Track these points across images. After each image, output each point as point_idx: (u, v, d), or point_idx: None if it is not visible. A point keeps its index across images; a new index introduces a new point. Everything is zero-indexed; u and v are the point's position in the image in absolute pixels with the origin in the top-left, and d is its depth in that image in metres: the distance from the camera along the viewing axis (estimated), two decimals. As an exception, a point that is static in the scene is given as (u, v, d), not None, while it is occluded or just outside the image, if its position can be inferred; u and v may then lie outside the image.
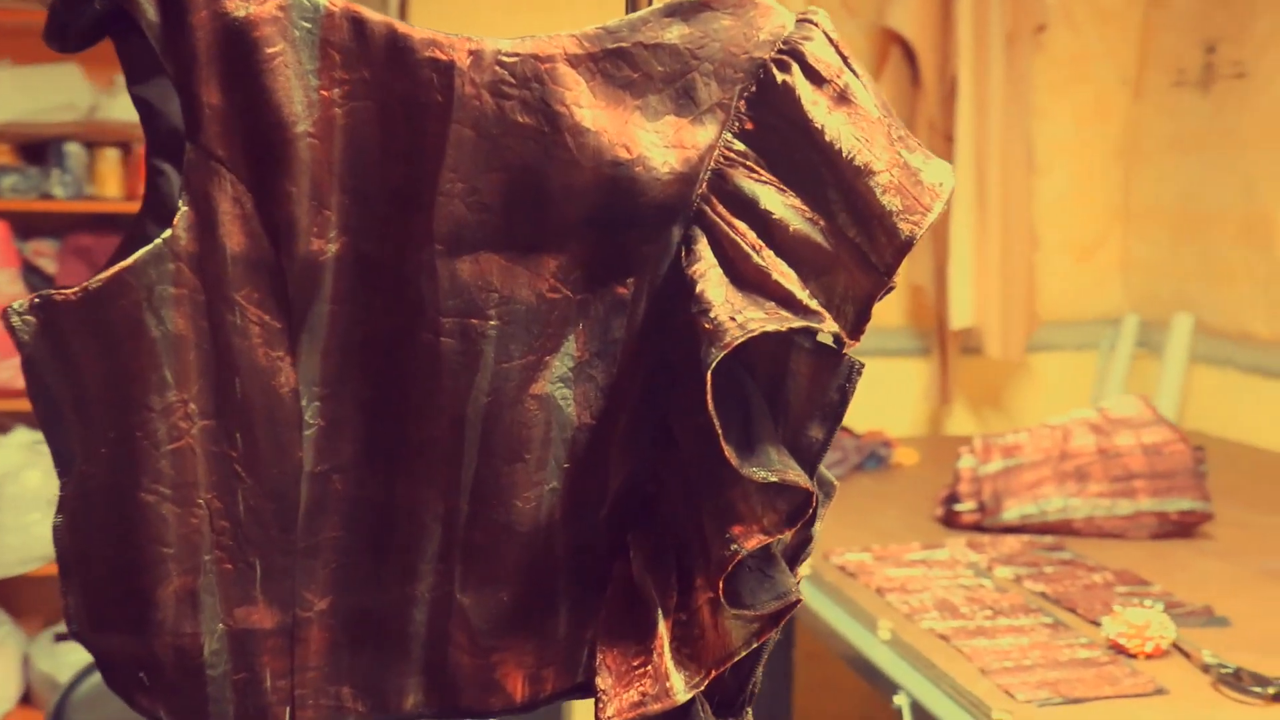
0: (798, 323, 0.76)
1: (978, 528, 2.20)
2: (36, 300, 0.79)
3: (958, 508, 2.21)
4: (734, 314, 0.75)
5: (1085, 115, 3.60)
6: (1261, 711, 1.45)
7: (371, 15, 0.79)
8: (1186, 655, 1.59)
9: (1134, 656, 1.58)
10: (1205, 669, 1.55)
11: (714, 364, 0.74)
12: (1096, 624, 1.69)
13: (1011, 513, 2.16)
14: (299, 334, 0.81)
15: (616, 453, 0.85)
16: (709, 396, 0.74)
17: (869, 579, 1.91)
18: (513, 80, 0.79)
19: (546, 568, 0.86)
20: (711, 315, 0.76)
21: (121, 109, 3.10)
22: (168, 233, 0.78)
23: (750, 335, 0.74)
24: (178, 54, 0.77)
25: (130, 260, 0.78)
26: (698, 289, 0.77)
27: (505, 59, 0.79)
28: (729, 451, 0.75)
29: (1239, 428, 3.12)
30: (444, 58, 0.78)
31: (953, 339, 3.42)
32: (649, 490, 0.86)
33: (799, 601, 0.81)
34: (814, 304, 0.78)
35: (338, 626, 0.86)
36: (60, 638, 2.95)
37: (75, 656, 2.86)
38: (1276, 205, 3.03)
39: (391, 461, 0.84)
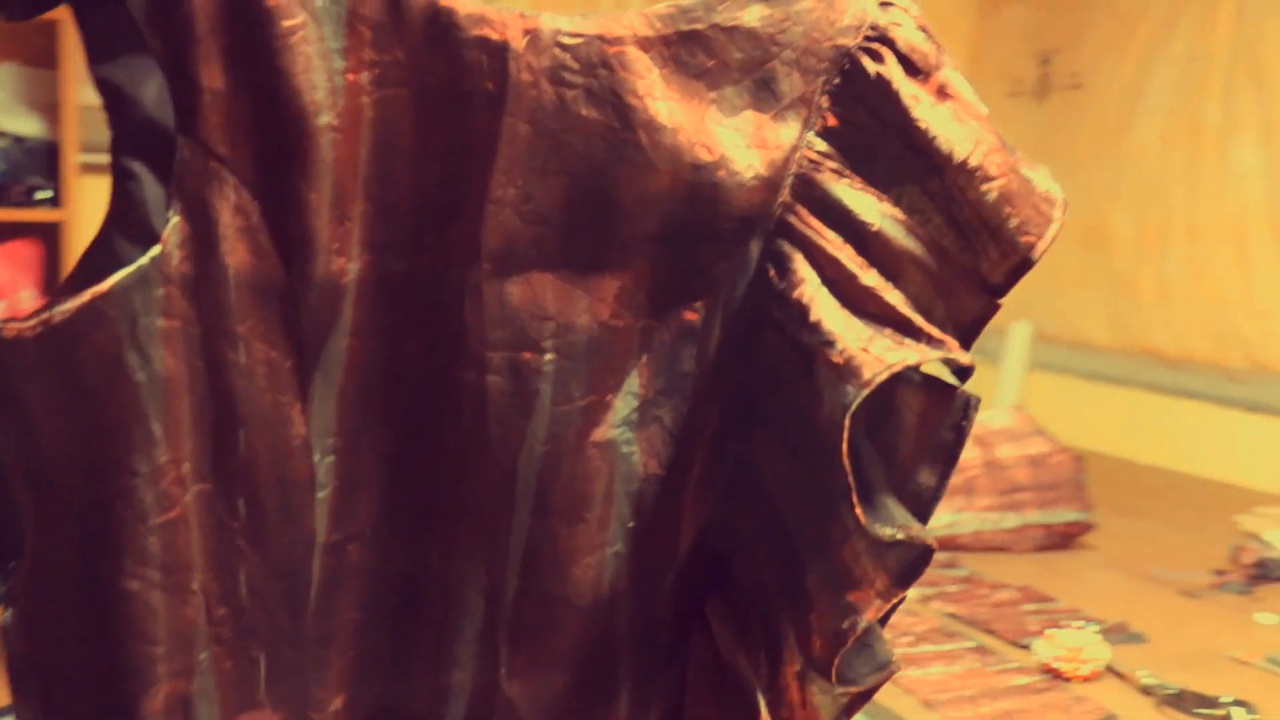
0: (937, 354, 0.65)
1: (865, 544, 2.14)
2: None
3: (844, 524, 2.14)
4: (866, 345, 0.64)
5: (920, 123, 3.61)
6: (1211, 735, 1.42)
7: (408, -17, 0.65)
8: (1121, 676, 1.55)
9: (1070, 680, 1.54)
10: (1145, 691, 1.51)
11: (855, 406, 0.62)
12: (1022, 646, 1.64)
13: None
14: (312, 374, 0.66)
15: (689, 508, 0.73)
16: (845, 444, 0.63)
17: (775, 604, 1.82)
18: (576, 65, 0.66)
19: (607, 644, 0.73)
20: (839, 347, 0.64)
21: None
22: (156, 250, 0.61)
23: (893, 370, 0.63)
24: (168, 25, 0.60)
25: (107, 284, 0.61)
26: (812, 316, 0.66)
27: (566, 40, 0.66)
28: (859, 507, 0.64)
29: (1078, 434, 3.17)
30: (495, 37, 0.65)
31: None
32: (720, 549, 0.74)
33: (898, 669, 0.71)
34: (934, 330, 0.67)
35: None
36: None
37: None
38: (1114, 214, 3.08)
39: (420, 527, 0.69)
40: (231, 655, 0.66)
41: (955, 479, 2.14)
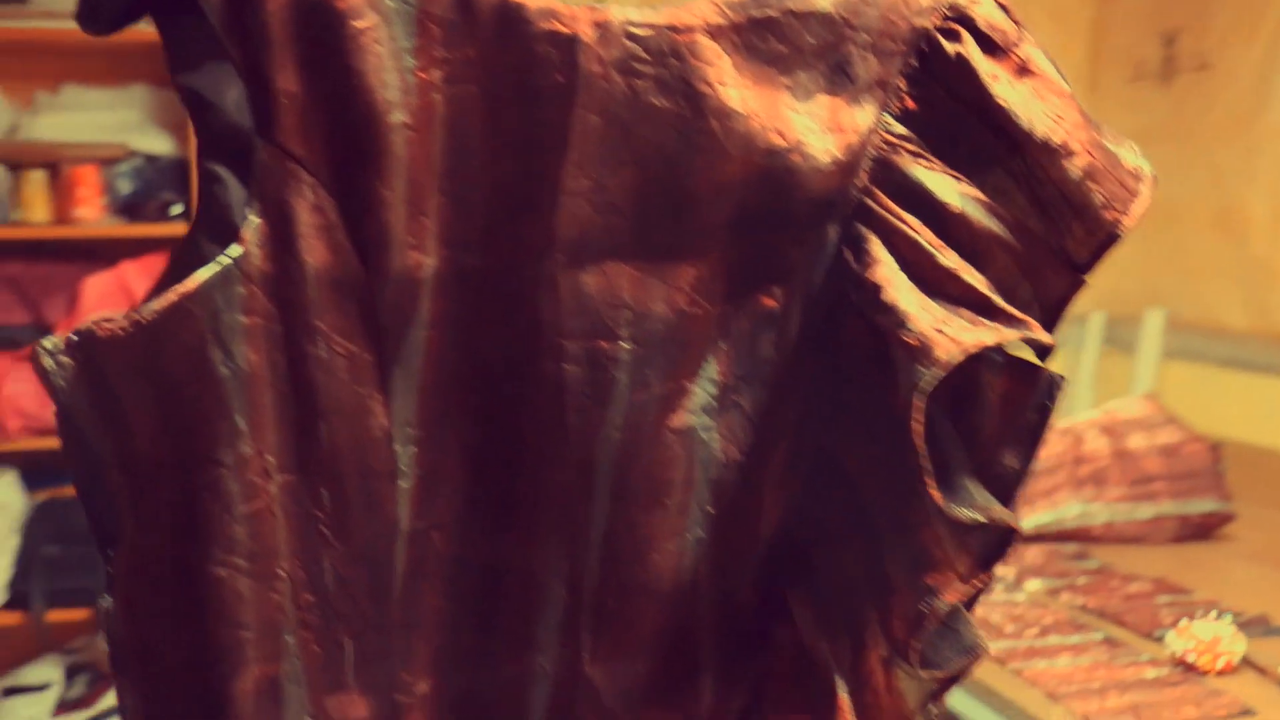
0: (1016, 334, 0.64)
1: (991, 539, 2.10)
2: (74, 337, 0.64)
3: (970, 519, 2.11)
4: (940, 326, 0.64)
5: (1043, 111, 3.53)
6: (1354, 728, 1.37)
7: (478, -20, 0.66)
8: (1260, 670, 1.50)
9: (1204, 674, 1.49)
10: (1284, 684, 1.46)
11: (925, 387, 0.62)
12: (1154, 639, 1.60)
13: (1027, 521, 2.07)
14: (391, 367, 0.67)
15: (770, 493, 0.73)
16: (918, 425, 0.62)
17: (897, 600, 1.80)
18: (646, 56, 0.66)
19: (688, 630, 0.73)
20: (911, 328, 0.64)
21: (45, 128, 2.90)
22: (237, 250, 0.64)
23: (969, 351, 0.62)
24: (244, 32, 0.63)
25: (191, 284, 0.63)
26: (886, 297, 0.65)
27: (636, 31, 0.66)
28: (934, 490, 0.64)
29: (1216, 423, 3.07)
30: (565, 30, 0.65)
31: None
32: (803, 536, 0.74)
33: (985, 653, 0.70)
34: (1013, 310, 0.66)
35: (443, 712, 0.72)
36: (9, 692, 2.74)
37: (30, 710, 2.66)
38: (1249, 197, 2.98)
39: (502, 515, 0.70)
40: (319, 640, 0.68)
41: (1083, 470, 2.09)
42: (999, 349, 0.69)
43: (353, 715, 0.70)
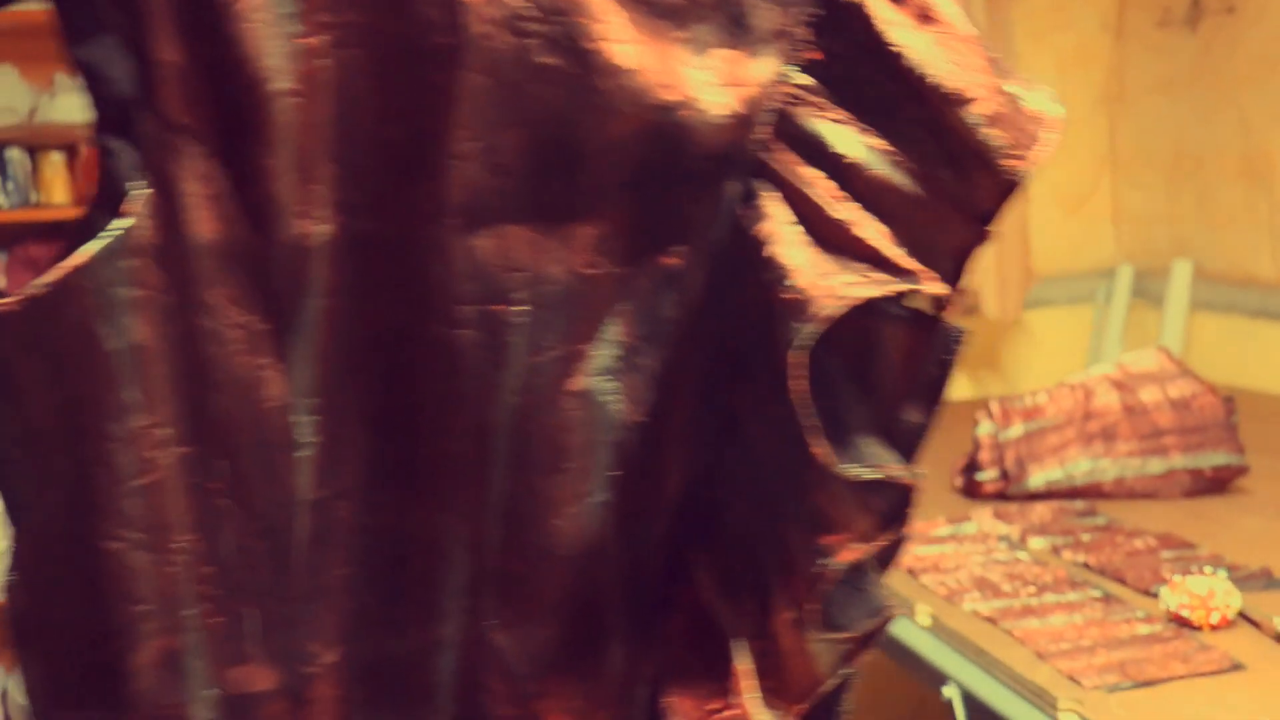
0: (900, 285, 0.63)
1: (1001, 496, 2.08)
2: None
3: (979, 477, 2.09)
4: (823, 280, 0.63)
5: (1067, 63, 3.48)
6: (1347, 681, 1.34)
7: (358, -54, 0.66)
8: (1255, 624, 1.48)
9: (1198, 629, 1.47)
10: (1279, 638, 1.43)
11: (802, 342, 0.61)
12: (1151, 595, 1.58)
13: (1037, 479, 2.05)
14: (289, 336, 0.67)
15: (674, 455, 0.72)
16: (796, 383, 0.61)
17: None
18: (535, 13, 0.65)
19: (595, 595, 0.73)
20: (790, 283, 0.63)
21: (63, 110, 2.93)
22: (125, 221, 0.64)
23: (850, 305, 0.61)
24: (127, 2, 0.63)
25: (79, 258, 0.63)
26: (767, 252, 0.64)
27: None
28: (819, 447, 0.63)
29: (1246, 375, 3.02)
30: None
31: (946, 300, 3.30)
32: (711, 498, 0.73)
33: (894, 615, 0.69)
34: (909, 262, 0.65)
35: (351, 682, 0.72)
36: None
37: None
38: (1277, 144, 2.92)
39: (405, 482, 0.70)
40: (220, 611, 0.68)
41: (1092, 425, 2.06)
42: (899, 303, 0.68)
43: (258, 687, 0.70)
